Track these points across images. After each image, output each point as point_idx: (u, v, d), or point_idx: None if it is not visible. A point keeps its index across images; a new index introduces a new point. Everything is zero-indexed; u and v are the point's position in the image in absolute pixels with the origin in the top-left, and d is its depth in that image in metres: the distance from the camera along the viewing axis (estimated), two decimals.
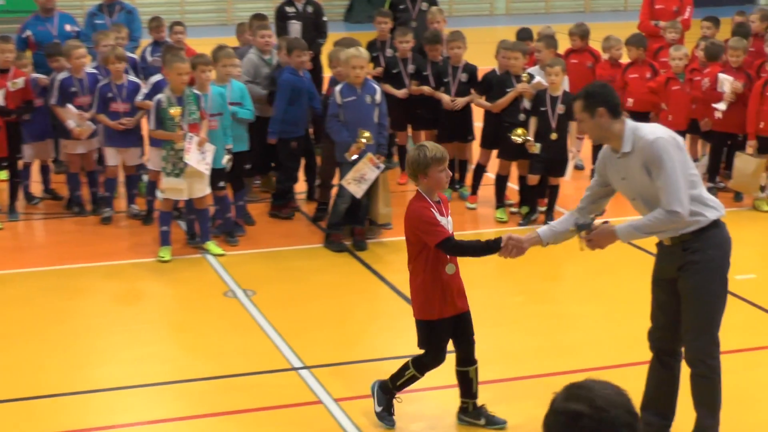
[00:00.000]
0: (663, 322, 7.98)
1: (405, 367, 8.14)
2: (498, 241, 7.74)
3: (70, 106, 13.18)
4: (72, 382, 9.31)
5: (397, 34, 14.77)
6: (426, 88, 14.32)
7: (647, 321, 8.28)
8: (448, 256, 7.97)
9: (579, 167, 15.73)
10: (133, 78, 13.46)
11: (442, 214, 7.75)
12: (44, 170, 14.47)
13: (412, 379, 8.07)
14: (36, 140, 13.89)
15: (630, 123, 7.57)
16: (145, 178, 13.83)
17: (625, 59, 15.83)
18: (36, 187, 14.66)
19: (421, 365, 8.10)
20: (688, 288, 7.66)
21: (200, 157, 11.98)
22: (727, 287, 7.69)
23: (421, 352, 8.03)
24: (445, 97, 14.05)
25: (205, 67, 12.43)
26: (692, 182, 7.37)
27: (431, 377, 8.21)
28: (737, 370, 9.23)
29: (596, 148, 15.31)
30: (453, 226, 8.01)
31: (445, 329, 8.07)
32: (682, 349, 7.90)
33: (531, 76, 13.45)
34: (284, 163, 13.51)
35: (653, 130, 7.42)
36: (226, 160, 12.54)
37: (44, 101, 13.67)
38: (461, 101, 13.96)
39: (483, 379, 8.27)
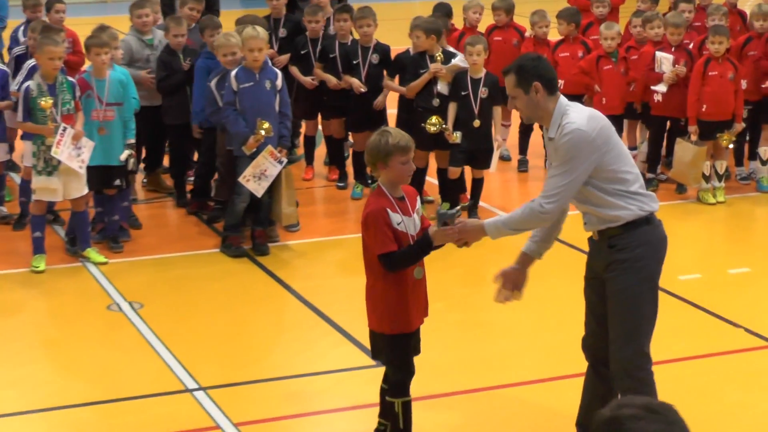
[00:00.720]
0: (595, 328, 7.84)
1: (388, 406, 7.89)
2: (426, 236, 7.49)
3: None
4: None
5: (306, 12, 14.76)
6: (330, 79, 14.24)
7: (581, 329, 8.11)
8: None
9: (505, 158, 15.81)
10: None
11: (406, 213, 7.57)
12: None
13: (407, 407, 7.84)
14: None
15: (562, 103, 7.42)
16: (16, 177, 13.77)
17: (554, 36, 15.89)
18: None
19: (397, 390, 7.83)
20: (613, 290, 7.55)
21: (74, 152, 11.81)
22: (657, 291, 7.58)
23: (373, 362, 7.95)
24: (355, 82, 14.01)
25: (100, 50, 12.27)
26: (619, 179, 7.31)
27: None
28: (683, 380, 9.35)
29: (523, 136, 15.51)
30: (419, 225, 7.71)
31: (411, 343, 7.90)
32: None
33: (448, 55, 13.44)
34: (206, 155, 13.41)
35: (576, 119, 7.28)
36: (125, 155, 12.36)
37: None
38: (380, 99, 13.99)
39: None
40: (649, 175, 14.35)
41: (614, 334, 7.48)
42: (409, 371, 7.83)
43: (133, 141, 12.58)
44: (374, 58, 14.18)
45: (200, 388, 9.37)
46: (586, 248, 8.23)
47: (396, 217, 7.51)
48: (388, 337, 7.69)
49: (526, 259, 7.88)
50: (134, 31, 14.08)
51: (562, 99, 7.46)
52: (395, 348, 7.73)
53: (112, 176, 12.34)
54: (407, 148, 7.52)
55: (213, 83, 12.63)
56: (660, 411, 3.69)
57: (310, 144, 15.39)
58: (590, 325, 7.80)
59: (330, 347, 10.47)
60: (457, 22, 16.42)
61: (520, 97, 7.39)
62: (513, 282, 7.92)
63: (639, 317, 7.47)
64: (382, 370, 8.22)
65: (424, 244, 7.58)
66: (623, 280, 7.37)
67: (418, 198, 8.18)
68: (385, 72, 14.11)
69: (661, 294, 10.20)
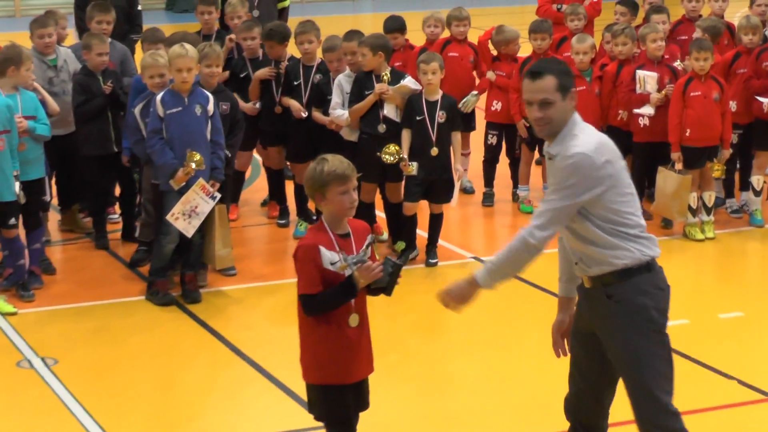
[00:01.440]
0: (582, 388, 7.50)
1: None
2: (350, 279, 7.14)
3: None
4: None
5: (240, 29, 14.69)
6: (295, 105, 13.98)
7: (559, 382, 7.87)
8: (353, 304, 7.54)
9: (468, 190, 15.86)
10: None
11: (348, 252, 7.30)
12: None
13: None
14: None
15: (575, 120, 7.22)
16: None
17: (525, 51, 15.84)
18: None
19: None
20: (618, 350, 7.25)
21: None
22: (668, 343, 7.24)
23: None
24: (294, 105, 13.80)
25: None
26: (620, 221, 7.13)
27: None
28: None
29: (489, 166, 15.84)
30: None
31: (350, 397, 7.64)
32: (607, 424, 7.53)
33: (397, 76, 13.36)
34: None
35: (584, 143, 7.06)
36: (17, 189, 12.23)
37: None
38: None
39: None
40: None
41: (630, 396, 7.26)
42: (345, 428, 7.69)
43: (17, 172, 12.35)
44: (317, 78, 13.97)
45: None
46: (557, 290, 7.90)
47: (331, 256, 7.30)
48: (318, 387, 7.56)
49: (569, 303, 7.67)
50: (35, 51, 13.75)
51: (576, 116, 7.26)
52: (326, 401, 7.56)
53: (5, 214, 12.22)
54: (345, 176, 7.35)
55: (137, 110, 12.48)
56: None
57: (240, 177, 15.22)
58: (575, 384, 7.54)
59: (269, 405, 10.35)
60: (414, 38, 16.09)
61: (557, 103, 7.12)
62: (565, 332, 7.72)
63: (653, 376, 7.25)
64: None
65: (347, 287, 7.31)
66: (628, 337, 7.16)
67: (370, 235, 7.72)
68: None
69: None
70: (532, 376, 10.17)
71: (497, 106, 15.41)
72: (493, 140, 15.71)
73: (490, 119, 15.62)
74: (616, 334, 7.15)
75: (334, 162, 7.32)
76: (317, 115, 13.69)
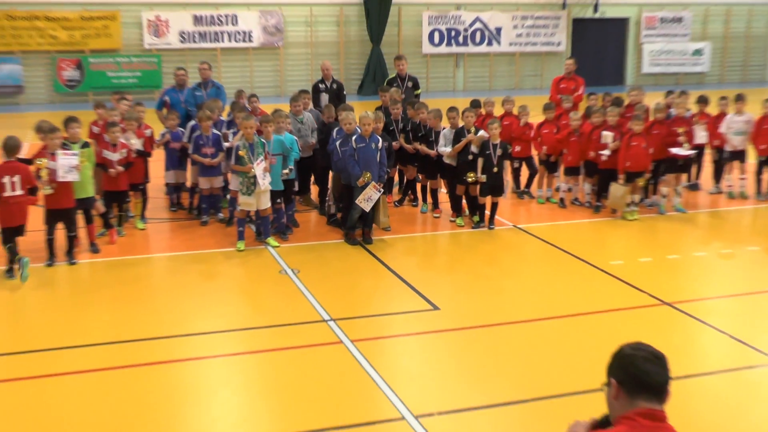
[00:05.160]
0: None
1: None
2: None
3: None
4: (170, 329, 9.28)
5: (390, 103, 14.63)
6: (410, 146, 14.13)
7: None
8: None
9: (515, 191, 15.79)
10: (215, 131, 13.57)
11: None
12: (176, 188, 14.60)
13: None
14: (175, 168, 14.21)
15: None
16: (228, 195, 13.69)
17: (538, 119, 15.55)
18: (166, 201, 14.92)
19: None
20: None
21: (263, 180, 12.12)
22: None
23: None
24: (423, 149, 13.98)
25: (267, 125, 12.57)
26: None
27: None
28: (603, 326, 9.25)
29: (515, 177, 15.67)
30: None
31: None
32: None
33: (477, 130, 13.43)
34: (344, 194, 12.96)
35: None
36: (286, 174, 12.63)
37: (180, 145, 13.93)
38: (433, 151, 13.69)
39: None
40: (597, 203, 14.63)
41: None
42: None
43: (288, 171, 12.60)
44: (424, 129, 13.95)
45: (331, 319, 9.38)
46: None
47: None
48: None
49: None
50: (291, 114, 13.78)
51: None
52: None
53: (277, 195, 12.57)
54: None
55: (338, 143, 12.63)
56: (661, 357, 3.68)
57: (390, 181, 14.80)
58: None
59: (401, 294, 10.33)
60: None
61: None
62: None
63: None
64: None
65: None
66: None
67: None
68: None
69: (598, 272, 10.97)
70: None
71: (518, 148, 15.39)
72: (516, 164, 15.87)
73: (516, 155, 15.50)
74: None
75: None
76: (423, 148, 13.98)
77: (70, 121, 12.03)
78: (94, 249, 12.27)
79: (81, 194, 11.89)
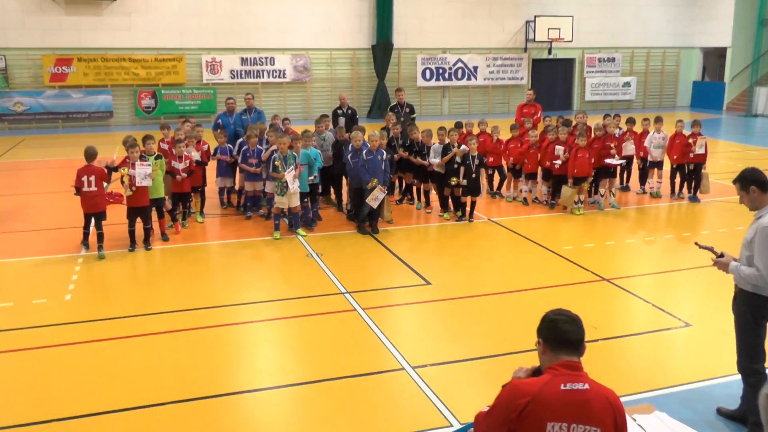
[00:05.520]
0: None
1: None
2: None
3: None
4: (223, 299, 9.09)
5: (391, 125, 14.39)
6: (405, 154, 13.88)
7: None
8: None
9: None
10: (258, 146, 13.22)
11: None
12: (226, 191, 14.30)
13: None
14: (223, 176, 13.97)
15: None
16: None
17: (505, 136, 15.64)
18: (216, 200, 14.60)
19: None
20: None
21: (293, 184, 11.96)
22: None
23: None
24: (418, 160, 13.83)
25: (297, 141, 12.44)
26: None
27: None
28: (553, 298, 8.93)
29: (488, 181, 15.57)
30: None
31: None
32: None
33: (459, 145, 13.26)
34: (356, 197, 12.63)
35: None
36: (313, 179, 12.53)
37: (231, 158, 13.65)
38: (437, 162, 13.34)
39: None
40: (552, 201, 14.40)
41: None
42: None
43: (312, 177, 12.44)
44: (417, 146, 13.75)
45: (347, 292, 9.24)
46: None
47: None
48: None
49: None
50: (316, 132, 13.60)
51: None
52: None
53: (302, 197, 12.43)
54: None
55: (349, 156, 12.42)
56: (576, 319, 3.61)
57: (392, 185, 14.38)
58: None
59: (402, 274, 10.05)
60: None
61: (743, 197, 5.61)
62: None
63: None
64: None
65: None
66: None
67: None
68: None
69: (552, 254, 10.71)
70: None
71: (491, 159, 14.93)
72: (490, 172, 15.47)
73: (490, 164, 15.07)
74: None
75: None
76: (418, 159, 13.72)
77: (146, 138, 11.96)
78: (164, 238, 12.16)
79: (155, 195, 11.81)
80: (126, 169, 11.25)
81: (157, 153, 12.08)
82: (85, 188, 11.10)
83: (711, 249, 5.81)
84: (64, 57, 28.77)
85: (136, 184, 11.29)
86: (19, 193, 16.14)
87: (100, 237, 11.29)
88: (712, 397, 6.58)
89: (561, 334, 3.57)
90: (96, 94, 29.40)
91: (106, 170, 11.23)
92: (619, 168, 15.36)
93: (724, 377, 6.99)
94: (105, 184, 11.24)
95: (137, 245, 11.70)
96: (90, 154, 11.15)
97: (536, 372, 3.76)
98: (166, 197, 12.57)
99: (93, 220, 11.32)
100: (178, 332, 8.23)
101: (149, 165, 11.41)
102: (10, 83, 28.44)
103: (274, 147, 12.38)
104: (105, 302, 9.24)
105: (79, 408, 6.51)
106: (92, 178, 11.07)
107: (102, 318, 8.68)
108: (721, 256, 5.78)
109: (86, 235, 11.58)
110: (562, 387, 3.46)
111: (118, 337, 8.10)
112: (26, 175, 18.51)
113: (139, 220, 11.70)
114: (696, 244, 5.92)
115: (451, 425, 6.06)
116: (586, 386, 3.49)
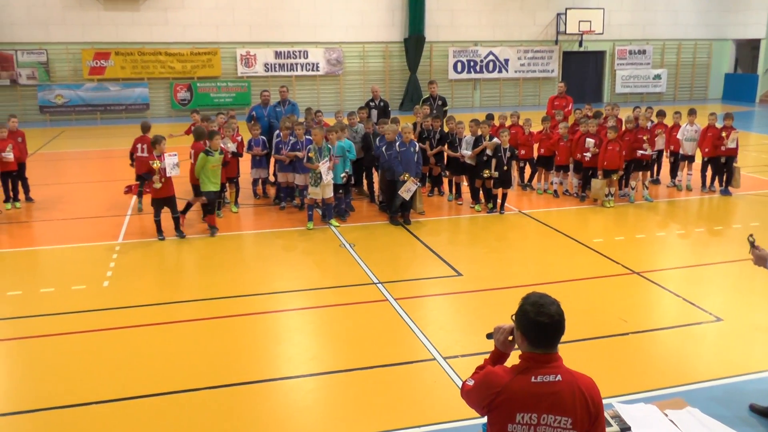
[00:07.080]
0: None
1: None
2: None
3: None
4: (258, 287, 9.13)
5: (420, 118, 14.44)
6: (443, 149, 13.91)
7: None
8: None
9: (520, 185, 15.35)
10: (291, 137, 13.11)
11: None
12: (260, 182, 14.40)
13: None
14: (257, 167, 14.10)
15: None
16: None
17: (537, 128, 15.57)
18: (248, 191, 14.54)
19: None
20: None
21: (327, 176, 11.97)
22: None
23: None
24: (450, 152, 13.83)
25: (331, 134, 12.45)
26: None
27: None
28: (587, 290, 8.94)
29: (520, 173, 15.23)
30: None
31: None
32: None
33: (491, 137, 13.37)
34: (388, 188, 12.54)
35: None
36: (344, 177, 12.58)
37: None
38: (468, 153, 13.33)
39: None
40: (582, 194, 14.34)
41: None
42: None
43: (348, 171, 12.49)
44: (464, 140, 13.63)
45: (380, 282, 9.24)
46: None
47: None
48: None
49: None
50: (348, 125, 13.75)
51: None
52: None
53: (336, 189, 12.44)
54: None
55: (383, 149, 12.43)
56: (556, 317, 3.47)
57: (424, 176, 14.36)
58: None
59: (428, 262, 10.09)
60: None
61: None
62: None
63: None
64: None
65: None
66: None
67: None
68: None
69: (583, 247, 10.62)
70: None
71: (522, 151, 14.93)
72: (521, 164, 15.28)
73: (521, 156, 15.06)
74: None
75: None
76: (450, 152, 13.77)
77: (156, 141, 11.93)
78: (212, 232, 11.99)
79: (210, 188, 11.92)
80: (156, 162, 11.32)
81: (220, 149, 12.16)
82: (138, 153, 13.01)
83: (752, 242, 5.69)
84: (102, 51, 29.26)
85: (167, 175, 11.37)
86: (60, 182, 16.36)
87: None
88: (743, 393, 6.47)
89: (541, 335, 3.53)
90: (133, 86, 29.76)
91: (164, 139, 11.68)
92: (650, 160, 14.95)
93: (757, 373, 6.87)
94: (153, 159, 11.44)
95: (166, 233, 11.75)
96: (145, 127, 13.21)
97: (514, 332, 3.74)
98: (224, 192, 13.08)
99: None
100: (212, 319, 8.26)
101: (175, 154, 11.46)
102: (51, 76, 29.04)
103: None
104: (142, 289, 9.30)
105: (115, 391, 6.57)
106: (145, 146, 12.87)
107: (139, 305, 8.73)
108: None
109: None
110: (533, 380, 3.50)
111: (154, 323, 8.16)
112: (66, 165, 18.79)
113: (165, 209, 11.75)
114: (750, 236, 5.74)
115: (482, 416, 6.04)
116: (558, 377, 3.50)
